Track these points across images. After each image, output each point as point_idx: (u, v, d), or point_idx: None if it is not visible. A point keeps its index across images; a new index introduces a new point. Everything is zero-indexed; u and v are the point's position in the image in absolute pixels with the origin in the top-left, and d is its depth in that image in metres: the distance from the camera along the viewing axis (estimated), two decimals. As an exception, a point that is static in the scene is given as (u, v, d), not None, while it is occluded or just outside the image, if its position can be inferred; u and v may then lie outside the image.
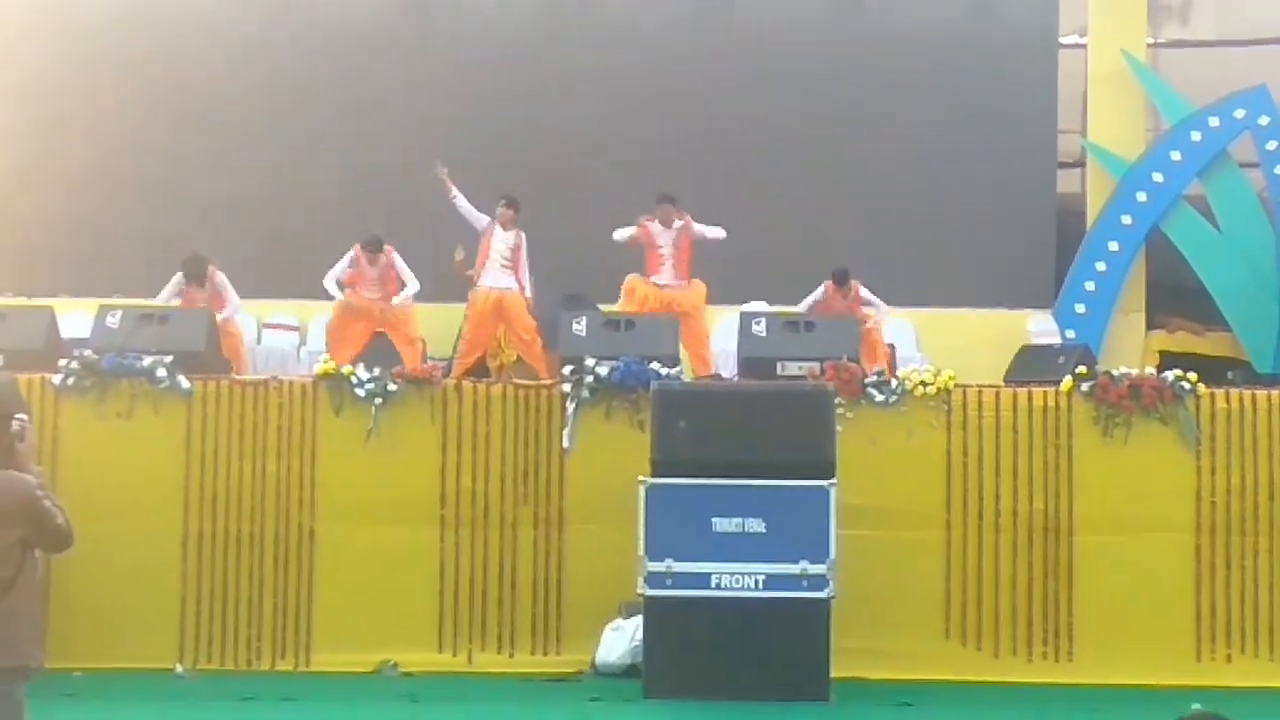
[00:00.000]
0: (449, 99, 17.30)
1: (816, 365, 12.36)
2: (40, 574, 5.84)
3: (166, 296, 13.87)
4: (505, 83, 17.37)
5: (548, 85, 17.38)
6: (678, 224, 14.45)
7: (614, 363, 12.19)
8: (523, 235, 14.35)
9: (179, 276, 13.91)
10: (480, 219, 14.44)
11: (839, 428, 11.53)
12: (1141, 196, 17.40)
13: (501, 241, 14.29)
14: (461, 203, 14.51)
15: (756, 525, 10.96)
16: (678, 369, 12.39)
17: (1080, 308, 17.27)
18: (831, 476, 11.05)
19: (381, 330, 14.27)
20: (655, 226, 14.48)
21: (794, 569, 10.91)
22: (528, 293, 14.34)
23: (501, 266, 14.24)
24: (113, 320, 12.62)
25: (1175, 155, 17.49)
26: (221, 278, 13.98)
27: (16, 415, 5.67)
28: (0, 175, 17.16)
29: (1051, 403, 12.15)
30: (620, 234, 14.63)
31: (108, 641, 11.54)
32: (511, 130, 17.01)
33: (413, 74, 17.45)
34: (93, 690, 10.70)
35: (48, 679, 5.92)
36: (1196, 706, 4.26)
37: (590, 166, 16.83)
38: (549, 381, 12.58)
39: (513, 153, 16.75)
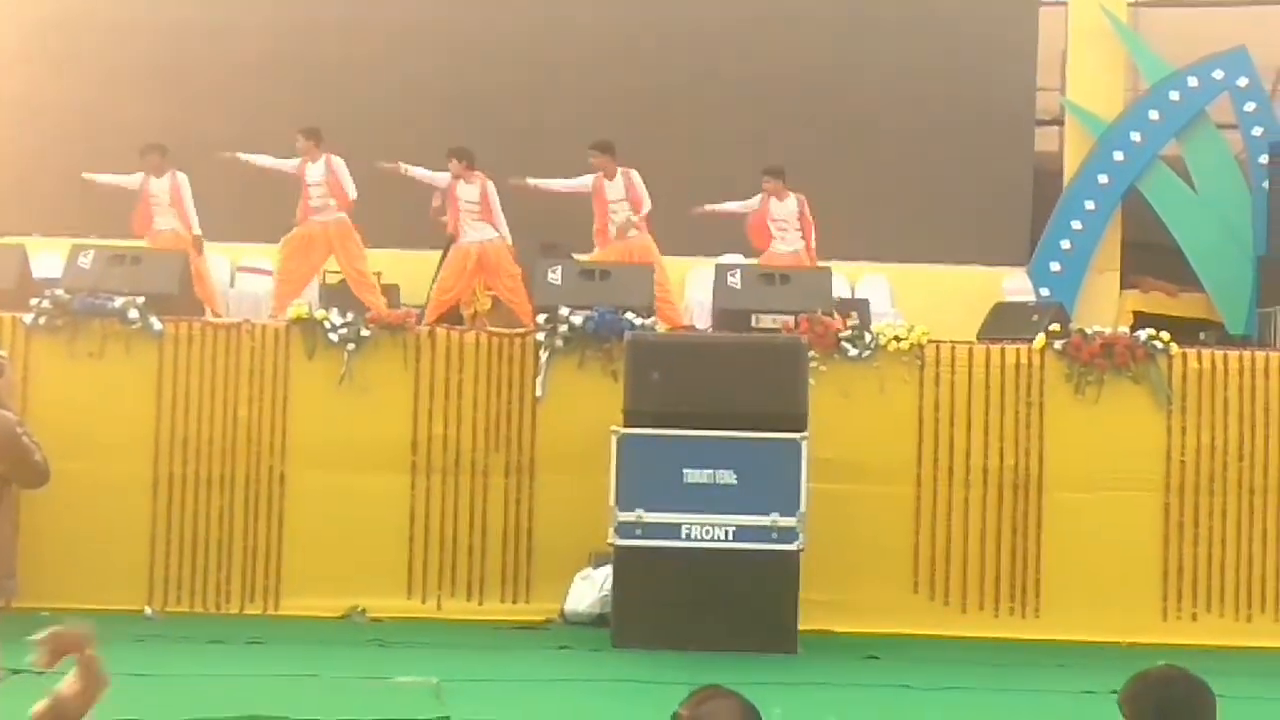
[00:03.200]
0: (429, 38, 17.18)
1: (791, 318, 12.35)
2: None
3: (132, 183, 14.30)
4: (485, 26, 17.26)
5: (521, 36, 17.27)
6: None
7: (588, 312, 12.16)
8: (488, 183, 14.21)
9: (138, 175, 14.26)
10: (441, 178, 14.33)
11: (812, 381, 11.54)
12: (1119, 156, 17.39)
13: (465, 194, 14.17)
14: (417, 172, 14.47)
15: (728, 477, 10.97)
16: (652, 319, 12.36)
17: (1055, 266, 17.27)
18: (804, 429, 11.06)
19: None
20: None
21: (764, 521, 10.93)
22: (508, 240, 14.21)
23: (473, 220, 14.12)
24: (85, 260, 12.55)
25: (1154, 115, 17.47)
26: (182, 177, 14.21)
27: None
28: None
29: (1024, 360, 12.15)
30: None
31: (76, 582, 11.45)
32: (489, 76, 16.91)
33: (391, 14, 17.32)
34: (60, 630, 10.67)
35: (15, 618, 5.90)
36: (1161, 664, 4.27)
37: (568, 115, 16.73)
38: (523, 329, 12.53)
39: (489, 100, 16.66)
